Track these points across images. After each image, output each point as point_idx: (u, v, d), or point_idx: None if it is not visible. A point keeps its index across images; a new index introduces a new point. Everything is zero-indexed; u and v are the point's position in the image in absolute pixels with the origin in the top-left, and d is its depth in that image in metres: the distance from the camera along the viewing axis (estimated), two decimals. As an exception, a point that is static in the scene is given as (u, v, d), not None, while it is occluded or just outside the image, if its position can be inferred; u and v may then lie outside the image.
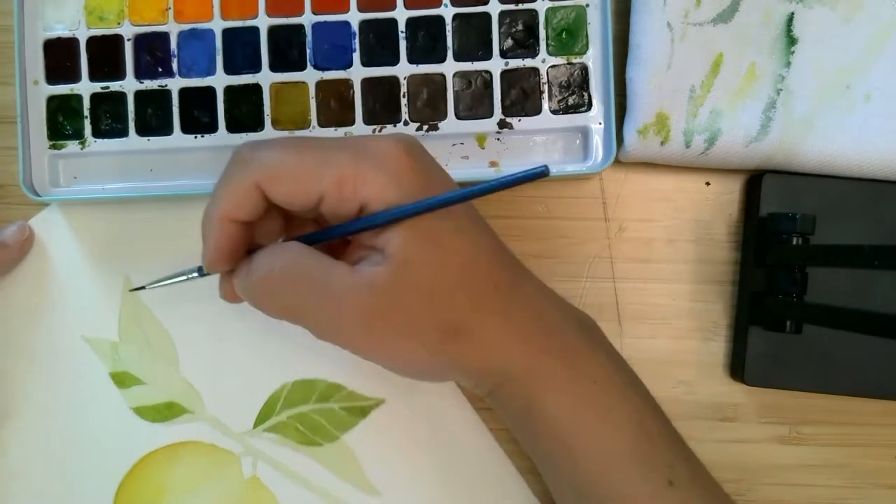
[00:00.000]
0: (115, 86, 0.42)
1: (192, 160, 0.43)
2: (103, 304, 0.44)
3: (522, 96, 0.42)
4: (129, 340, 0.44)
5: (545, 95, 0.42)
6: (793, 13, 0.40)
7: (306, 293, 0.32)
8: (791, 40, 0.40)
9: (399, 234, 0.31)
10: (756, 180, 0.41)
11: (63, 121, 0.42)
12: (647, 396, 0.36)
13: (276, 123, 0.42)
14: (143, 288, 0.39)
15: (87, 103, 0.42)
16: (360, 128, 0.42)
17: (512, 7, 0.41)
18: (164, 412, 0.44)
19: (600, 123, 0.41)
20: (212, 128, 0.42)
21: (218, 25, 0.42)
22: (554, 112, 0.42)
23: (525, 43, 0.42)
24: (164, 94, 0.42)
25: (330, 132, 0.42)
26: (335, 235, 0.33)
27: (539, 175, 0.26)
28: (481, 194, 0.30)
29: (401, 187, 0.31)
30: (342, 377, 0.43)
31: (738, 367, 0.41)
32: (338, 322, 0.32)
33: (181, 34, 0.42)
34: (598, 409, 0.34)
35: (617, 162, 0.41)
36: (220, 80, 0.42)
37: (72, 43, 0.42)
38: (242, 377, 0.43)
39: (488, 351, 0.34)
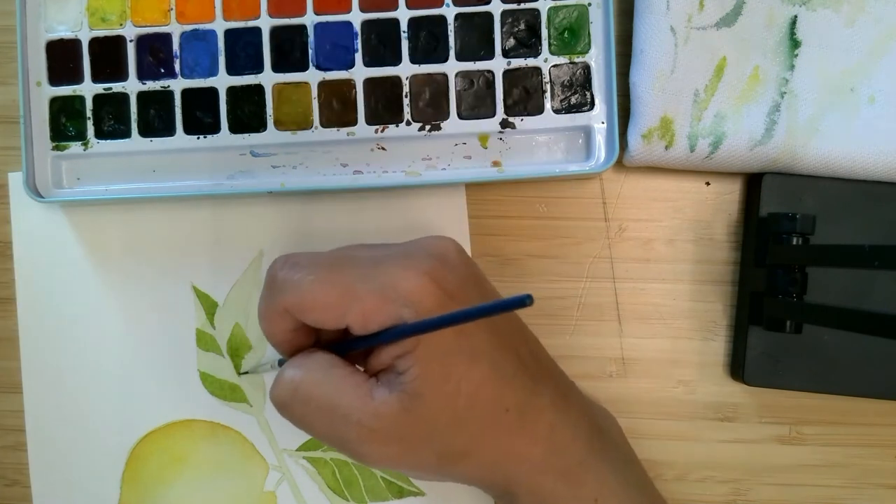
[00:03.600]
0: (117, 87, 0.42)
1: (194, 161, 0.43)
2: (220, 266, 0.44)
3: (525, 96, 0.42)
4: (230, 310, 0.44)
5: (547, 95, 0.42)
6: (796, 16, 0.40)
7: (315, 411, 0.34)
8: (794, 43, 0.40)
9: (414, 366, 0.32)
10: (756, 180, 0.41)
11: (66, 122, 0.42)
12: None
13: (279, 124, 0.42)
14: (247, 373, 0.44)
15: (89, 104, 0.42)
16: (362, 128, 0.42)
17: (514, 6, 0.41)
18: (226, 391, 0.44)
19: (603, 123, 0.41)
20: (214, 128, 0.42)
21: (220, 26, 0.42)
22: (556, 112, 0.42)
23: (527, 42, 0.42)
24: (167, 95, 0.42)
25: (332, 132, 0.42)
26: (354, 348, 0.35)
27: (522, 304, 0.27)
28: (463, 320, 0.31)
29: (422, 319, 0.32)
30: None
31: (738, 367, 0.41)
32: (339, 439, 0.34)
33: (183, 35, 0.42)
34: None
35: (617, 162, 0.41)
36: (222, 81, 0.42)
37: (74, 44, 0.42)
38: None
39: (488, 470, 0.35)
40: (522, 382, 0.35)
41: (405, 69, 0.42)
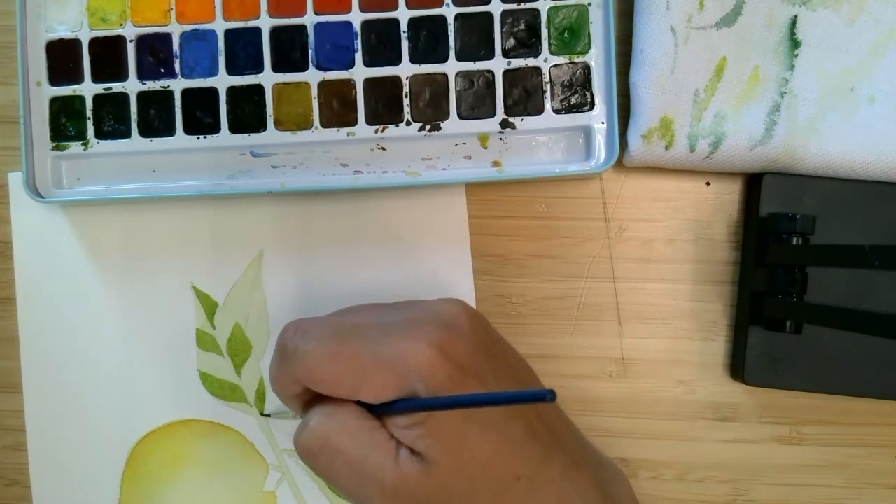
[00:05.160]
0: (117, 87, 0.42)
1: (194, 161, 0.43)
2: (220, 266, 0.44)
3: (525, 96, 0.42)
4: (230, 310, 0.44)
5: (547, 95, 0.42)
6: (796, 16, 0.40)
7: (342, 465, 0.34)
8: (794, 43, 0.40)
9: (428, 434, 0.33)
10: (756, 180, 0.41)
11: (66, 122, 0.42)
12: None
13: (279, 124, 0.42)
14: (269, 416, 0.44)
15: (89, 104, 0.42)
16: (362, 128, 0.42)
17: (514, 6, 0.41)
18: (226, 391, 0.44)
19: (603, 123, 0.41)
20: (214, 128, 0.42)
21: (220, 26, 0.42)
22: (556, 112, 0.42)
23: (527, 42, 0.42)
24: (167, 95, 0.42)
25: (332, 132, 0.42)
26: (371, 411, 0.35)
27: (543, 398, 0.27)
28: (483, 405, 0.32)
29: (433, 392, 0.33)
30: None
31: (738, 367, 0.41)
32: (362, 495, 0.34)
33: (183, 35, 0.42)
34: None
35: (617, 162, 0.41)
36: (222, 81, 0.42)
37: (74, 44, 0.42)
38: None
39: None
40: (533, 451, 0.35)
41: (405, 69, 0.42)
